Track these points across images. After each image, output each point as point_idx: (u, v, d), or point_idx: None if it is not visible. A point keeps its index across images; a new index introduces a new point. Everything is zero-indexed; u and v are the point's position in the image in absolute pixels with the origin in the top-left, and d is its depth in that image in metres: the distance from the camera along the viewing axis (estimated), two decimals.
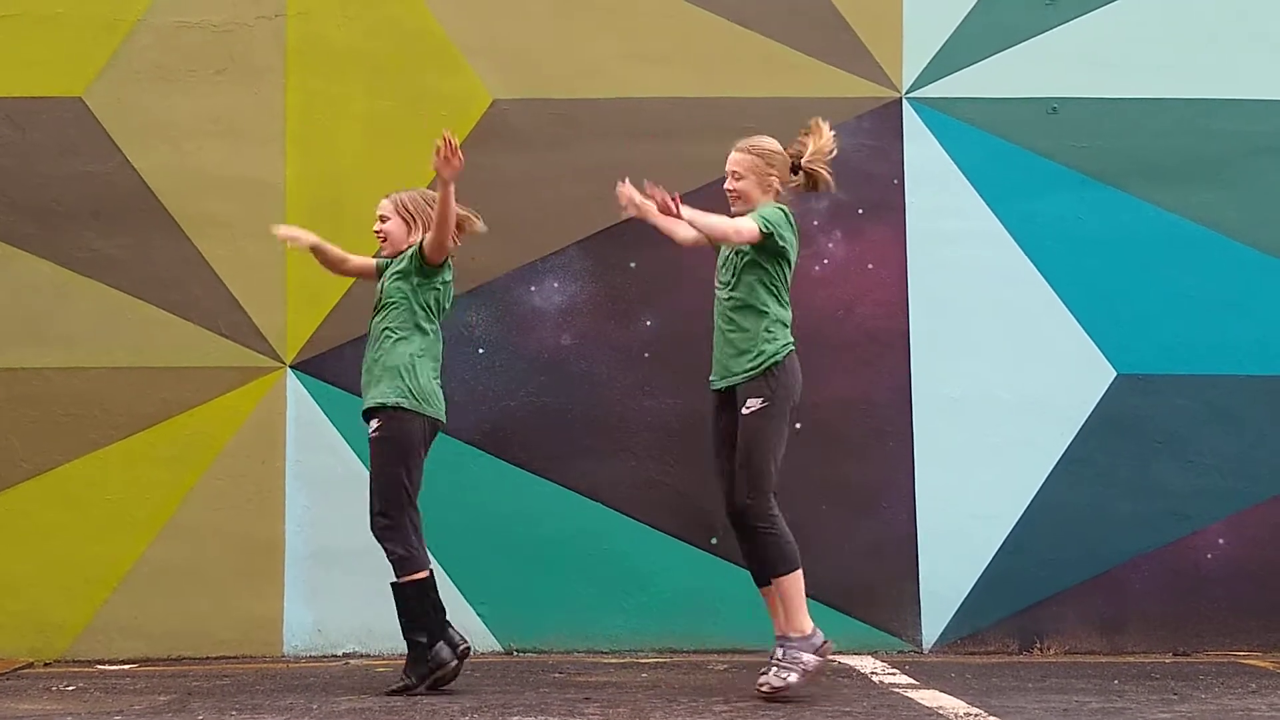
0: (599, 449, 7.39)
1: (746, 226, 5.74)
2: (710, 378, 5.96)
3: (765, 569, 5.80)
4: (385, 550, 5.97)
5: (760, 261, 5.84)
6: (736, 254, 5.89)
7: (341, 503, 7.08)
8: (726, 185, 5.98)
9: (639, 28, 7.54)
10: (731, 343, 5.85)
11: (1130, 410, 7.42)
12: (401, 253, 6.18)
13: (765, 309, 5.83)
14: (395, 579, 5.96)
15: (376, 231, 6.23)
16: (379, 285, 6.20)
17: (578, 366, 7.45)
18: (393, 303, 6.10)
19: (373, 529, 5.99)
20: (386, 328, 6.08)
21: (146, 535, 7.30)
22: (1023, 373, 7.43)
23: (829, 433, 7.38)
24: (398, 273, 6.12)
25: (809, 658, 5.69)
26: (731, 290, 5.89)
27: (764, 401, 5.76)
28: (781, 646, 5.73)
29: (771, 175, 5.93)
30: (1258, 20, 7.58)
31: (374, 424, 6.02)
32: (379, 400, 6.01)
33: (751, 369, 5.80)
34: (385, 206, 6.25)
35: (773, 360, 5.79)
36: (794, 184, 6.02)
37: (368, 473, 6.09)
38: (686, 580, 7.26)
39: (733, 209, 5.97)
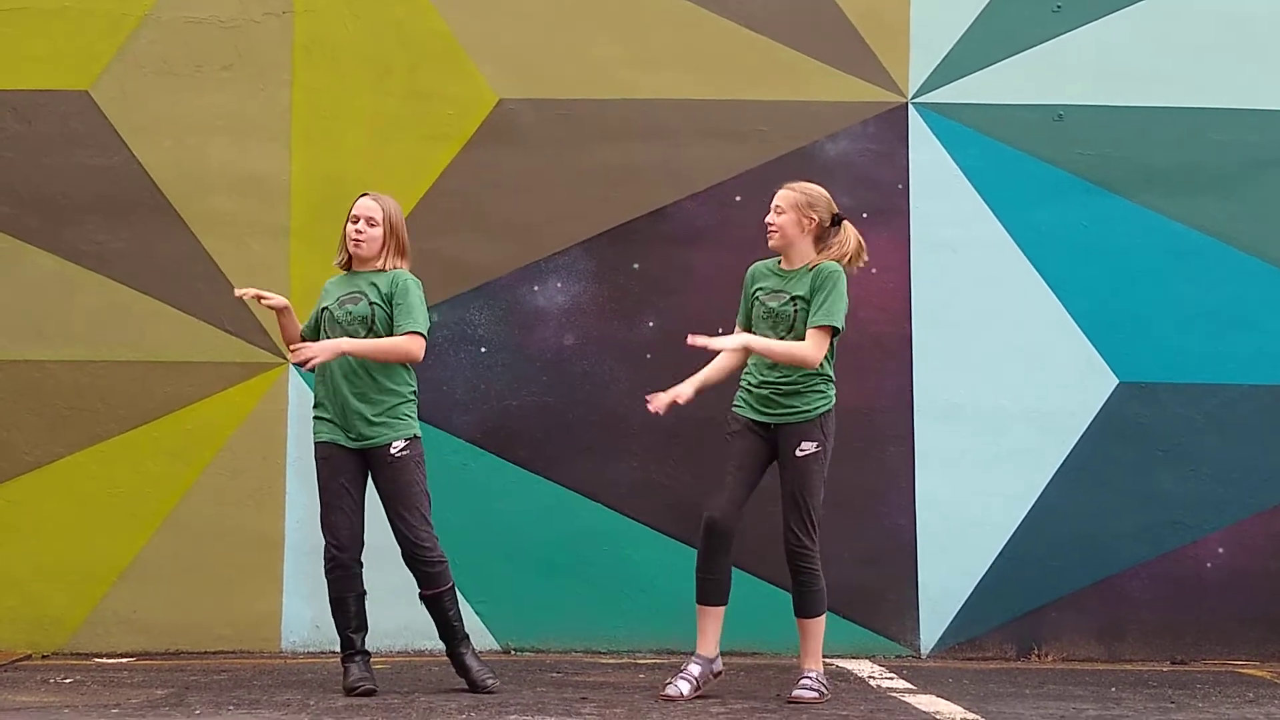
0: (600, 450, 7.39)
1: (813, 354, 5.77)
2: (747, 410, 5.91)
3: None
4: (435, 562, 5.92)
5: None
6: (791, 311, 5.86)
7: None
8: (768, 219, 5.96)
9: (645, 30, 7.54)
10: (780, 384, 5.85)
11: (1132, 418, 7.42)
12: (372, 269, 5.99)
13: (821, 362, 5.86)
14: (443, 587, 5.96)
15: (359, 234, 5.95)
16: (342, 299, 5.97)
17: (580, 367, 7.45)
18: (366, 321, 5.92)
19: (429, 547, 5.91)
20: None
21: (147, 529, 7.31)
22: (1024, 380, 7.43)
23: None
24: (379, 303, 5.93)
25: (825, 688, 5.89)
26: (790, 334, 5.86)
27: (816, 445, 5.85)
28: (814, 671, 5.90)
29: (812, 215, 5.94)
30: (1264, 31, 7.58)
31: (399, 446, 5.91)
32: (406, 433, 5.94)
33: (807, 410, 5.84)
34: (375, 210, 5.97)
35: (827, 408, 5.88)
36: (828, 239, 5.99)
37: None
38: (685, 582, 7.15)
39: (770, 242, 5.98)
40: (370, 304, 5.94)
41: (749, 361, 5.98)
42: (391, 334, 5.90)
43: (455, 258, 7.27)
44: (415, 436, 5.99)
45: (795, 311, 5.86)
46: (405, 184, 7.31)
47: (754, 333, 5.93)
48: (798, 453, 5.83)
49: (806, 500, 5.82)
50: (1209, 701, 6.03)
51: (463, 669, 6.01)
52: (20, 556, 7.29)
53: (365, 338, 5.89)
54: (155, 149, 7.44)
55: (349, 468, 5.95)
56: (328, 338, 5.94)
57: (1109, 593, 7.38)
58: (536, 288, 7.47)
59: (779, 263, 6.01)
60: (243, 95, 7.48)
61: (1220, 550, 7.39)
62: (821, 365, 5.83)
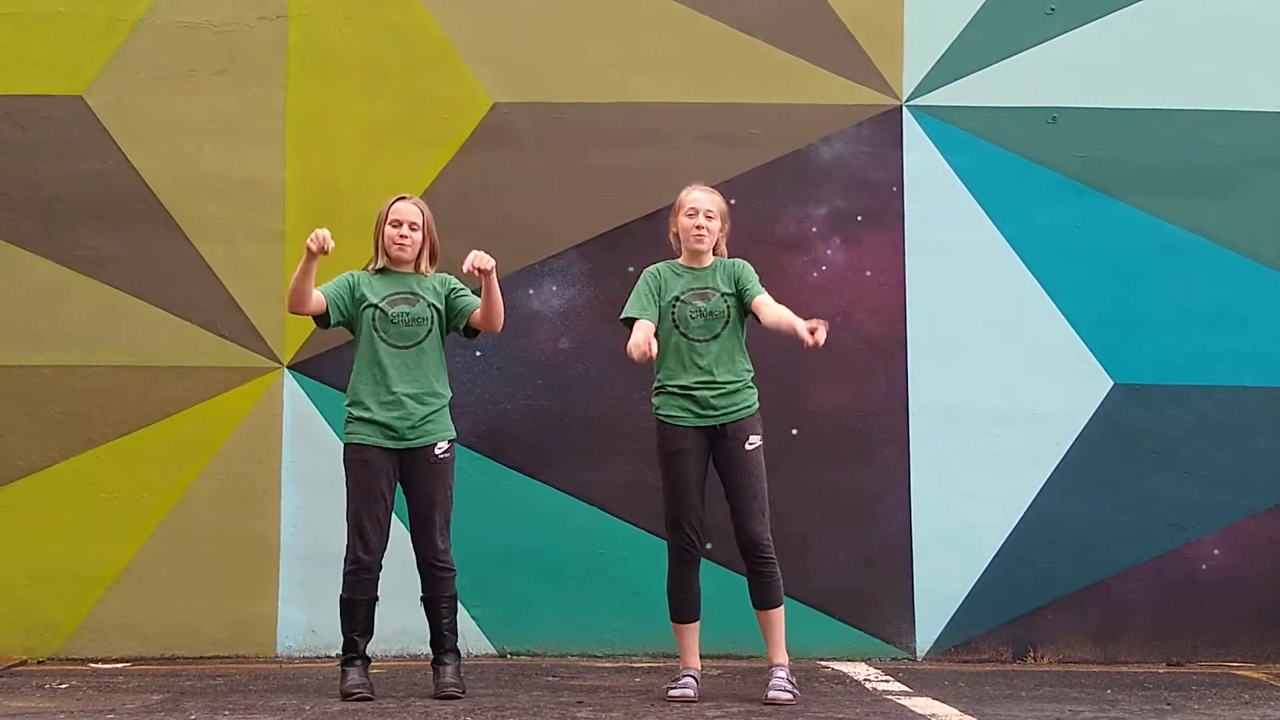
0: (595, 453, 7.39)
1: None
2: (688, 418, 5.91)
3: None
4: (447, 569, 5.97)
5: (740, 316, 6.00)
6: (724, 306, 5.94)
7: (336, 504, 7.02)
8: (699, 222, 6.00)
9: (639, 32, 7.55)
10: (723, 384, 5.91)
11: (1126, 420, 7.42)
12: (408, 270, 6.06)
13: (747, 357, 6.00)
14: (446, 594, 6.00)
15: (403, 238, 6.02)
16: (391, 298, 5.99)
17: (575, 370, 7.45)
18: (425, 323, 6.01)
19: (445, 552, 5.96)
20: (430, 350, 6.02)
21: (142, 534, 7.30)
22: (1019, 382, 7.43)
23: (825, 440, 7.38)
24: (435, 304, 6.03)
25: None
26: (718, 339, 5.93)
27: (760, 439, 5.96)
28: (783, 669, 5.90)
29: (728, 221, 6.13)
30: (1257, 32, 7.59)
31: (443, 447, 5.99)
32: (449, 434, 6.03)
33: (750, 406, 5.95)
34: (416, 215, 6.06)
35: (758, 403, 5.99)
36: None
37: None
38: None
39: (695, 245, 6.02)
40: (429, 305, 6.02)
41: (668, 364, 5.96)
42: (444, 335, 6.07)
43: (450, 261, 7.24)
44: (454, 440, 6.07)
45: (728, 307, 5.96)
46: (399, 188, 7.24)
47: (683, 334, 5.94)
48: (748, 446, 5.91)
49: (762, 492, 5.92)
50: (1205, 703, 6.02)
51: (436, 676, 6.01)
52: (15, 562, 7.28)
53: (424, 339, 5.99)
54: (149, 154, 7.44)
55: (387, 471, 5.95)
56: (378, 335, 5.97)
57: (1104, 595, 7.38)
58: (531, 291, 7.47)
59: (682, 263, 6.07)
60: (237, 99, 7.47)
61: (1215, 552, 7.40)
62: (747, 355, 5.99)
